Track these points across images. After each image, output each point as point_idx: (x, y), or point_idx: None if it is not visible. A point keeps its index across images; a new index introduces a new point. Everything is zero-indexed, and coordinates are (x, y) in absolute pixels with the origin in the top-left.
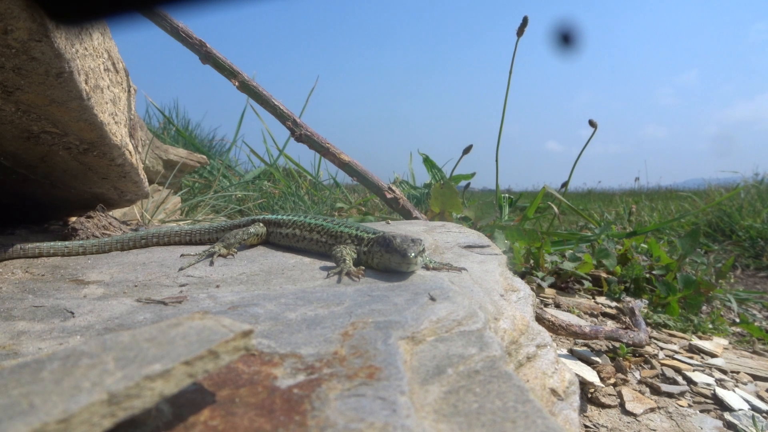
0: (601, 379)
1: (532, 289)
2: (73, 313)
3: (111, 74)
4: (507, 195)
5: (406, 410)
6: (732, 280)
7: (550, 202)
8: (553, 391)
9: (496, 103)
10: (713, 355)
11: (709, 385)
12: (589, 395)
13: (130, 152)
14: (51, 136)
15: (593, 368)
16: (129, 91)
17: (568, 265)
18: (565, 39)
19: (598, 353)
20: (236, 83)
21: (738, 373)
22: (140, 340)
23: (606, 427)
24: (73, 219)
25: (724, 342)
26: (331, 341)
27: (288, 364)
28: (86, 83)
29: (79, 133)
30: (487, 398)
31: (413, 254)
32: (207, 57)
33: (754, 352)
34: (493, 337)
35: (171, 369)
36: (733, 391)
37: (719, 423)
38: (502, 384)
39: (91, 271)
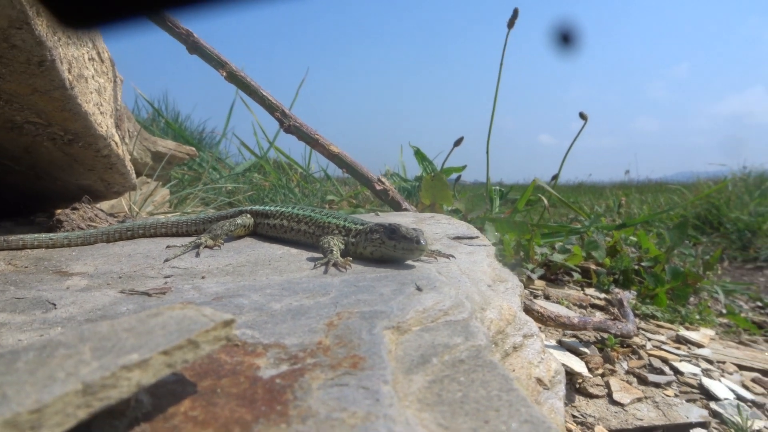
0: (590, 370)
1: (522, 280)
2: (55, 305)
3: (96, 64)
4: (498, 187)
5: (389, 399)
6: (719, 272)
7: (540, 195)
8: (539, 381)
9: (489, 95)
10: (700, 346)
11: (695, 375)
12: (578, 385)
13: (116, 143)
14: (35, 127)
15: (582, 359)
16: (115, 81)
17: (557, 257)
18: (565, 38)
19: (587, 344)
20: (224, 73)
21: (724, 363)
22: (119, 330)
23: (594, 416)
24: (59, 211)
25: (711, 333)
26: (316, 331)
27: (271, 354)
28: (69, 72)
29: (64, 123)
30: (471, 387)
31: (424, 241)
32: (194, 47)
33: (740, 343)
34: (479, 326)
35: (149, 359)
36: (719, 380)
37: (705, 412)
38: (487, 373)
39: (76, 262)
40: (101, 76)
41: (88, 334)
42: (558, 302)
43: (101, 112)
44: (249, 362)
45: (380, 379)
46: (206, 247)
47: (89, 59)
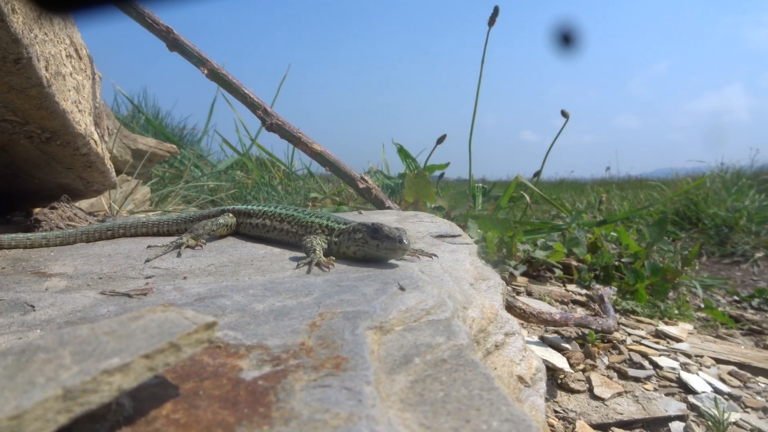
0: (571, 365)
1: (505, 277)
2: (33, 307)
3: (74, 61)
4: (481, 185)
5: (372, 400)
6: (698, 267)
7: (522, 192)
8: (521, 378)
9: (472, 93)
10: (678, 340)
11: (674, 369)
12: (559, 381)
13: (95, 141)
14: (11, 125)
15: (563, 354)
16: (93, 78)
17: (539, 254)
18: (566, 39)
19: (568, 340)
20: (205, 71)
21: (702, 357)
22: (99, 334)
23: (575, 411)
24: (37, 210)
25: (689, 327)
26: (299, 332)
27: (254, 355)
28: (47, 70)
29: (41, 121)
30: (452, 386)
31: (407, 241)
32: (174, 44)
33: (718, 337)
34: (461, 325)
35: (130, 363)
36: (697, 374)
37: (683, 405)
38: (468, 372)
39: (55, 263)
40: (79, 74)
41: (68, 337)
42: (540, 299)
43: (79, 110)
44: (232, 364)
45: (363, 380)
46: (188, 246)
47: (67, 56)
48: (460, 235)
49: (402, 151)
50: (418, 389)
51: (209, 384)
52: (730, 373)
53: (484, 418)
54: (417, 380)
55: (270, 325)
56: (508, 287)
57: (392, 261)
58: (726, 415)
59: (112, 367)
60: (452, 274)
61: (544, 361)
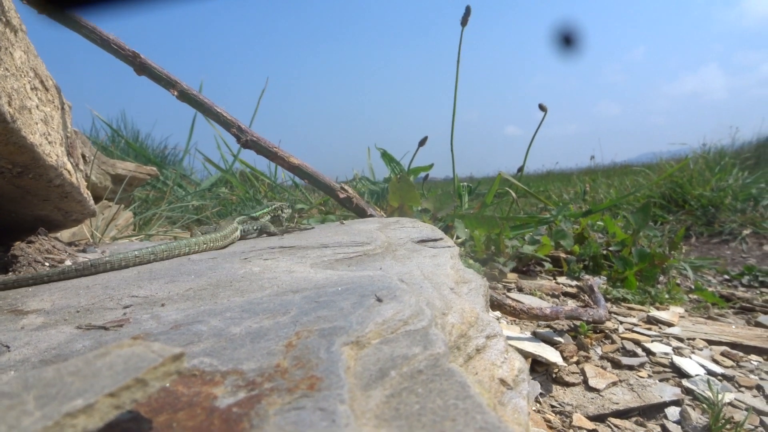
0: (565, 359)
1: (494, 275)
2: (8, 347)
3: (40, 93)
4: (466, 183)
5: (345, 419)
6: (687, 249)
7: (507, 188)
8: (503, 381)
9: (452, 92)
10: (670, 325)
11: (666, 354)
12: (554, 375)
13: (69, 171)
14: None
15: (556, 348)
16: (63, 108)
17: (527, 249)
18: (567, 40)
19: (561, 333)
20: (175, 93)
21: (694, 339)
22: (64, 375)
23: (571, 404)
24: (15, 245)
25: (680, 310)
26: (274, 353)
27: (229, 381)
28: (10, 105)
29: (9, 156)
30: (428, 398)
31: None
32: (142, 68)
33: (709, 317)
34: (438, 334)
35: (94, 403)
36: (690, 357)
37: (678, 390)
38: (444, 382)
39: (32, 299)
40: (47, 105)
41: (32, 381)
42: (531, 293)
43: (49, 142)
44: (206, 392)
45: (337, 399)
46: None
47: (32, 89)
48: (441, 239)
49: (386, 156)
50: (394, 404)
51: (183, 415)
52: (722, 354)
53: (459, 428)
54: (393, 394)
55: (246, 348)
56: (499, 284)
57: (371, 272)
58: (720, 397)
59: (75, 409)
60: (432, 279)
61: (538, 356)
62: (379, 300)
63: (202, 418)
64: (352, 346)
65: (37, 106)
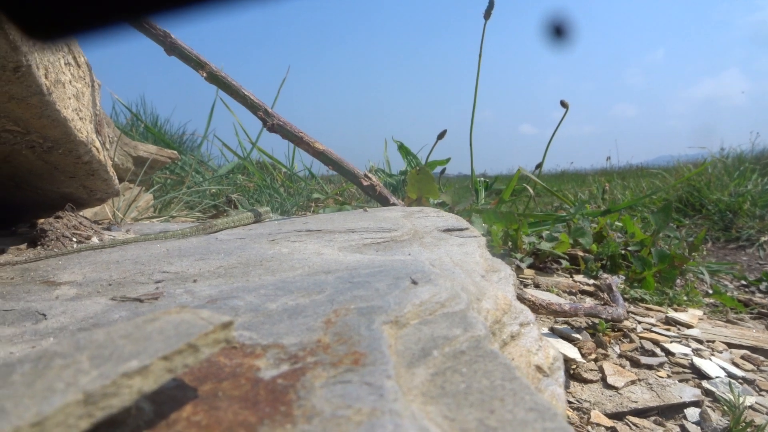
0: (583, 355)
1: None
2: (45, 315)
3: (72, 68)
4: (483, 179)
5: (394, 394)
6: (704, 253)
7: (525, 185)
8: (539, 368)
9: (470, 88)
10: (689, 326)
11: (686, 355)
12: (572, 371)
13: (97, 149)
14: (13, 135)
15: (574, 345)
16: (93, 86)
17: (545, 246)
18: (558, 31)
19: (579, 330)
20: (204, 74)
21: (713, 342)
22: (115, 338)
23: (589, 401)
24: (42, 220)
25: (699, 313)
26: (314, 330)
27: (271, 354)
28: (46, 78)
29: (42, 130)
30: (473, 378)
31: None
32: (172, 48)
33: (728, 321)
34: (477, 317)
35: (149, 365)
36: (710, 359)
37: (698, 391)
38: (488, 363)
39: (63, 272)
40: (78, 81)
41: (84, 342)
42: (548, 290)
43: (80, 118)
44: (249, 364)
45: (383, 374)
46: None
47: (65, 64)
48: (467, 229)
49: (402, 148)
50: (439, 382)
51: (228, 384)
52: (742, 357)
53: (509, 408)
54: (437, 373)
55: (284, 323)
56: (517, 280)
57: (400, 256)
58: (741, 399)
59: (132, 370)
60: (463, 266)
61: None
62: (414, 282)
63: (248, 388)
64: (392, 325)
65: (70, 81)
